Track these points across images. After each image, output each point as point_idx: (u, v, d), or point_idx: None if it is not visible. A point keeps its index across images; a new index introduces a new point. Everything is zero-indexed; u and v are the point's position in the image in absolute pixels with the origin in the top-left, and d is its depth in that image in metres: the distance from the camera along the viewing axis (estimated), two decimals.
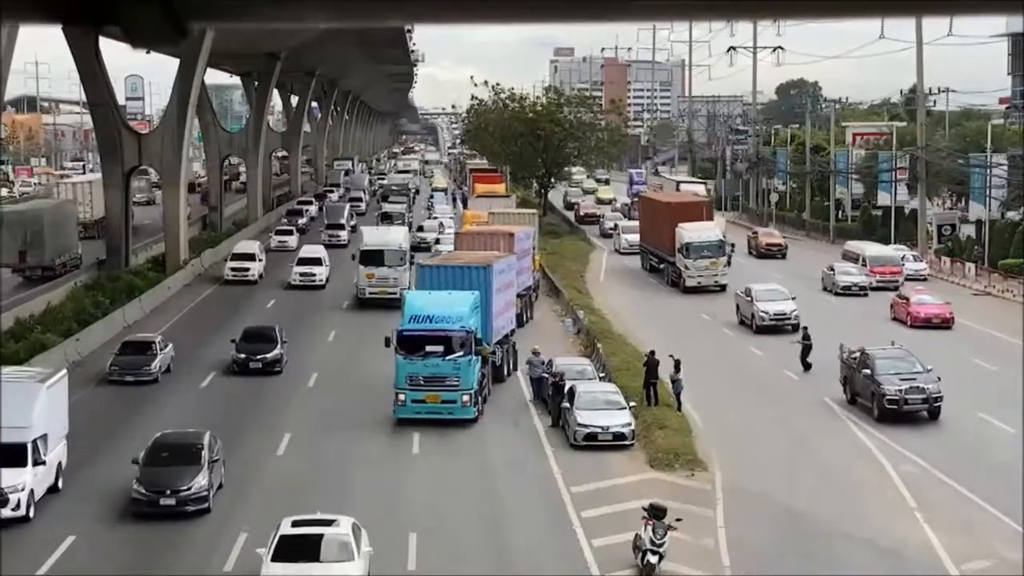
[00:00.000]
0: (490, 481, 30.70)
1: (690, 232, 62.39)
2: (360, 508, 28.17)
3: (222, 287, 62.98)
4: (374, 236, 59.61)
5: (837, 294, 60.97)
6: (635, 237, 74.72)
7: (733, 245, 65.52)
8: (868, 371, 36.82)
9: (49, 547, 25.61)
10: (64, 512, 28.00)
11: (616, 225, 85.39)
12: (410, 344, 35.76)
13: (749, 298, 52.17)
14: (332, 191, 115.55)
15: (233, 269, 64.03)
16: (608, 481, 30.16)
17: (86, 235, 72.08)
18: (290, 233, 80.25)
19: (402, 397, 35.33)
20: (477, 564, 24.89)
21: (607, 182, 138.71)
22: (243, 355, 42.19)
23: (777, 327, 50.19)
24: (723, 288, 60.68)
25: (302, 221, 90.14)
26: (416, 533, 26.21)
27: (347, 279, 61.07)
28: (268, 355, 42.26)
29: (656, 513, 24.32)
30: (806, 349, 43.70)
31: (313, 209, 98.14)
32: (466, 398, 35.19)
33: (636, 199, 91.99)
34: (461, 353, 35.47)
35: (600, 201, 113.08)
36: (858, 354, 38.27)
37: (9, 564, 24.65)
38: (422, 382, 35.33)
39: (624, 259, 75.94)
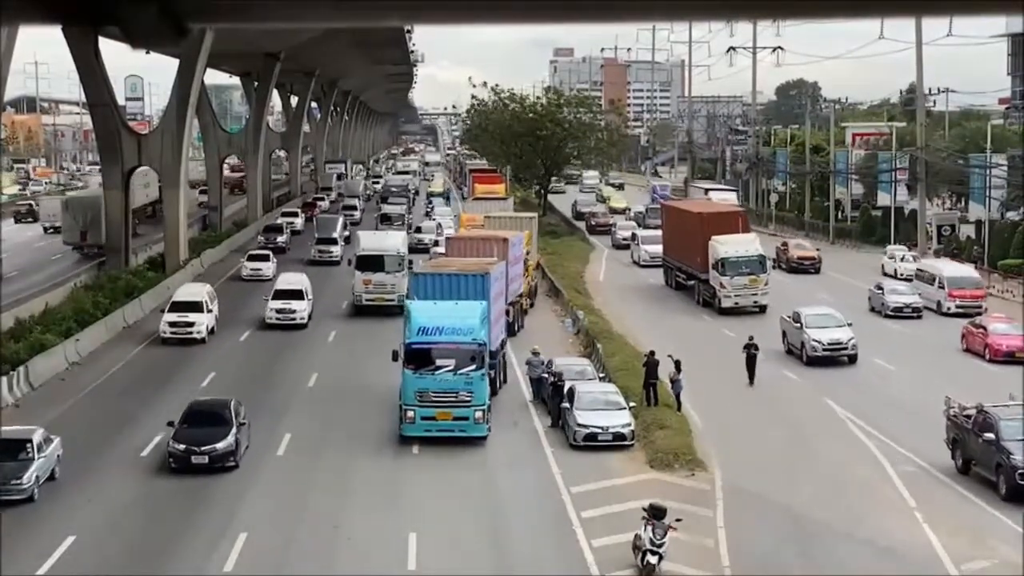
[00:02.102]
0: (490, 481, 30.70)
1: (726, 246, 55.90)
2: (360, 508, 28.29)
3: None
4: (371, 241, 57.71)
5: (887, 316, 54.25)
6: (657, 248, 67.99)
7: (774, 260, 60.39)
8: (991, 436, 29.84)
9: None
10: None
11: (634, 235, 77.46)
12: (420, 358, 33.98)
13: (798, 324, 45.52)
14: (323, 199, 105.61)
15: (172, 324, 47.63)
16: (608, 481, 30.17)
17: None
18: (265, 259, 66.20)
19: (411, 414, 33.42)
20: (477, 564, 24.90)
21: (621, 187, 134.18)
22: (182, 446, 30.50)
23: (831, 358, 44.28)
24: (763, 309, 54.69)
25: (282, 239, 77.09)
26: (416, 533, 26.22)
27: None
28: (218, 444, 30.61)
29: (656, 513, 24.34)
30: (751, 359, 41.06)
31: (299, 222, 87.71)
32: (479, 414, 33.45)
33: (657, 207, 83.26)
34: (473, 367, 33.79)
35: (613, 210, 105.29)
36: (973, 412, 31.42)
37: None
38: (432, 398, 33.63)
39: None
